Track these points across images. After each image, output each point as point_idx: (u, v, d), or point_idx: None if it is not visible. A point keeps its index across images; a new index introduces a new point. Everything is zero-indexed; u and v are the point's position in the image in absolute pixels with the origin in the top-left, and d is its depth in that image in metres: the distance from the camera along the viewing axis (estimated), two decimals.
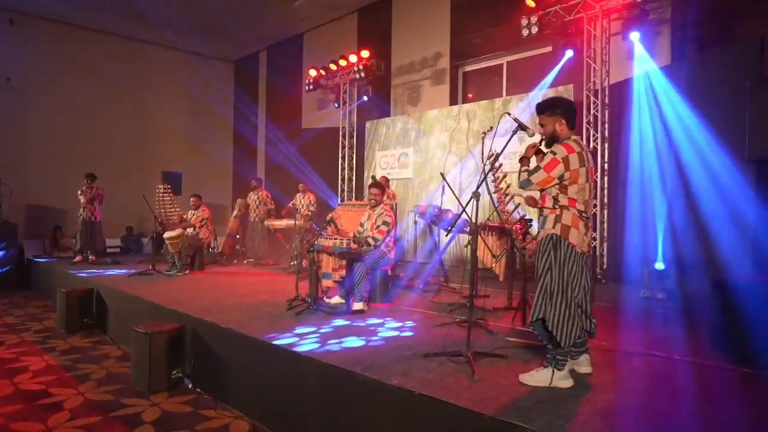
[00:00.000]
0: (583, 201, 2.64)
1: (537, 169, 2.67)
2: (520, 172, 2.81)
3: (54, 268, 7.85)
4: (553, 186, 2.66)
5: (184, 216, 7.75)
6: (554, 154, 2.62)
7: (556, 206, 2.65)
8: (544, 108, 2.78)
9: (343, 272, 4.82)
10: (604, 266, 6.51)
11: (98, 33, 11.45)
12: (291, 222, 8.23)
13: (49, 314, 6.57)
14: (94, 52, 11.41)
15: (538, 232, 2.81)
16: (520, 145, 6.04)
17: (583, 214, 2.65)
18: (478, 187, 3.00)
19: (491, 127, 4.30)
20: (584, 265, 2.67)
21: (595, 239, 6.30)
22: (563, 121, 2.71)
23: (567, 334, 2.57)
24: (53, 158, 10.75)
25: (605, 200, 6.57)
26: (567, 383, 2.61)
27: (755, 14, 5.45)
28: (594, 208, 6.34)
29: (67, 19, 10.87)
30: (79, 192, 8.20)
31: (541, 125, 2.80)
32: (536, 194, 2.88)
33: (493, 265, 4.80)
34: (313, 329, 3.81)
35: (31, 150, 10.63)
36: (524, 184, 2.76)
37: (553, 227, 2.64)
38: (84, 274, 6.77)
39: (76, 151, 10.93)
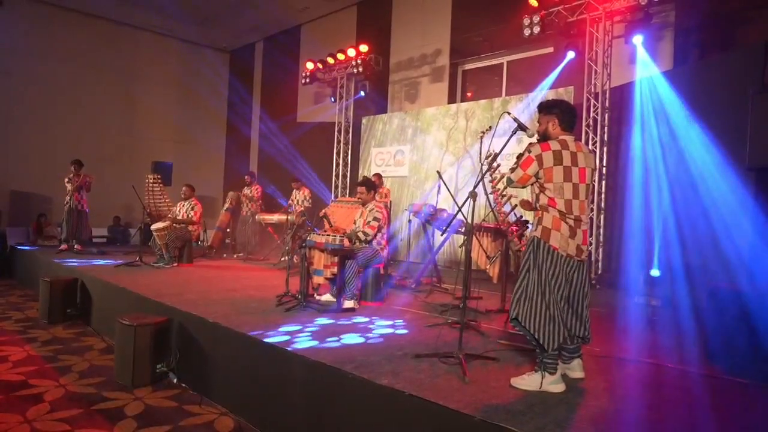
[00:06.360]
0: (564, 201, 2.61)
1: (516, 167, 2.73)
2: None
3: (38, 256, 7.67)
4: (533, 184, 2.71)
5: (175, 210, 7.60)
6: (530, 152, 2.68)
7: (538, 206, 2.70)
8: (543, 107, 2.84)
9: (335, 269, 4.74)
10: (599, 271, 6.49)
11: (88, 16, 11.20)
12: (283, 217, 8.13)
13: (30, 304, 6.42)
14: (84, 37, 11.17)
15: None
16: (518, 145, 5.99)
17: (568, 216, 2.61)
18: (474, 187, 2.99)
19: (490, 127, 4.25)
20: (574, 270, 2.65)
21: (591, 243, 6.28)
22: (556, 122, 2.75)
23: (548, 336, 2.54)
24: (39, 144, 10.51)
25: (602, 204, 6.55)
26: (558, 388, 2.58)
27: (759, 20, 5.44)
28: (591, 212, 6.31)
29: (56, 0, 10.62)
30: (66, 179, 8.03)
31: (539, 123, 2.85)
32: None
33: (487, 267, 4.75)
34: (302, 326, 3.74)
35: (15, 134, 10.38)
36: (507, 182, 2.85)
37: (535, 230, 2.68)
38: (69, 264, 6.62)
39: (62, 137, 10.71)
